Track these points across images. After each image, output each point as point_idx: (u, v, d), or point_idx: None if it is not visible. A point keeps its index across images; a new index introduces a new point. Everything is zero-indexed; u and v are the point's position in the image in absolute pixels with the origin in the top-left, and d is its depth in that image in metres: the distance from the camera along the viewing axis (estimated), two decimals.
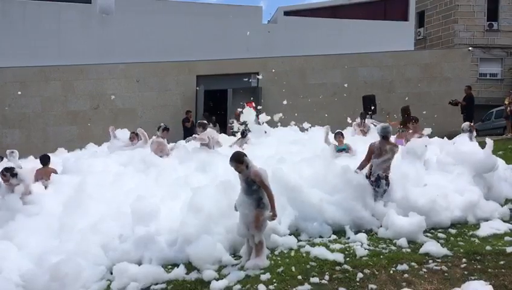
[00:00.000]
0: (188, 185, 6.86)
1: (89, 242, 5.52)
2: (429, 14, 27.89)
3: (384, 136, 6.79)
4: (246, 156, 5.13)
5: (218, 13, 19.57)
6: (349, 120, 12.63)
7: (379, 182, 6.60)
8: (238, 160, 5.04)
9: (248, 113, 11.73)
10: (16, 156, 10.69)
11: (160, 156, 9.37)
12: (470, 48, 19.40)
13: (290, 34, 19.72)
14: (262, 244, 5.08)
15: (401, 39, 20.15)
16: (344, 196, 6.44)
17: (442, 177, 7.32)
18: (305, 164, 7.33)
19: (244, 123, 12.15)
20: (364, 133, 11.33)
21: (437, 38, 27.19)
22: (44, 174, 8.74)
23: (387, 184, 6.64)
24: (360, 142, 9.73)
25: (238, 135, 11.62)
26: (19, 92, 15.25)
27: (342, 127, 12.78)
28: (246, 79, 15.54)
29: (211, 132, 9.78)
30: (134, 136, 10.91)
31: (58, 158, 11.43)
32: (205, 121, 10.22)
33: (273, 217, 5.09)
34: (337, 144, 9.26)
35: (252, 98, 14.83)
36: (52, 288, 4.71)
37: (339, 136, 9.38)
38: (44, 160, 9.11)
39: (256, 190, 5.01)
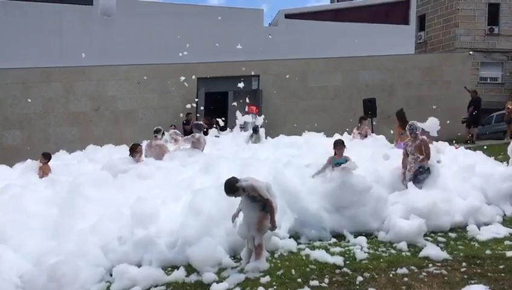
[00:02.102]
0: (189, 187, 6.86)
1: (87, 243, 5.50)
2: (430, 18, 27.94)
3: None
4: (237, 180, 4.96)
5: (219, 16, 19.62)
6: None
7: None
8: (233, 190, 4.93)
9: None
10: None
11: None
12: (471, 52, 19.46)
13: (291, 36, 19.76)
14: (262, 247, 5.08)
15: (402, 43, 20.21)
16: (357, 210, 6.33)
17: (448, 180, 7.31)
18: (313, 168, 7.33)
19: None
20: (363, 136, 11.34)
21: (438, 42, 27.23)
22: (46, 170, 9.20)
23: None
24: (359, 146, 9.75)
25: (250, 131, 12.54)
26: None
27: (343, 130, 12.84)
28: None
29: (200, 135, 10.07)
30: (139, 150, 8.86)
31: (59, 160, 11.47)
32: (201, 123, 10.41)
33: (273, 228, 5.08)
34: (336, 156, 7.29)
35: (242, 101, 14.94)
36: (50, 289, 4.70)
37: (338, 147, 7.32)
38: (48, 157, 9.66)
39: (256, 205, 5.01)
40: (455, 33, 26.30)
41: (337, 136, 12.15)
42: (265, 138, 12.86)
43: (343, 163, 6.91)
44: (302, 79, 17.32)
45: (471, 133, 16.02)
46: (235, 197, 5.06)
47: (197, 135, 9.99)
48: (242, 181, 4.97)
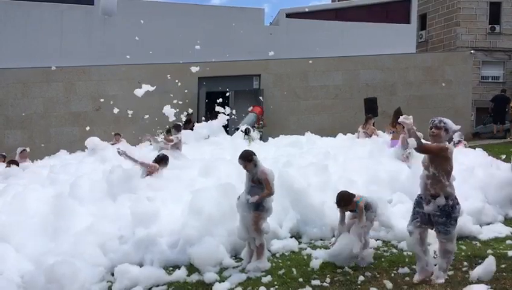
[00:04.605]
0: (190, 187, 6.86)
1: (87, 243, 5.50)
2: (431, 17, 27.89)
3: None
4: (255, 154, 5.13)
5: (220, 15, 19.60)
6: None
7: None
8: (247, 158, 5.06)
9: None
10: None
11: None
12: (472, 51, 19.42)
13: (292, 36, 19.72)
14: (263, 247, 5.08)
15: (403, 42, 20.15)
16: None
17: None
18: (314, 168, 7.31)
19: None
20: (368, 135, 11.32)
21: (439, 41, 27.18)
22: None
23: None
24: (362, 146, 9.75)
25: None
26: None
27: (344, 129, 12.84)
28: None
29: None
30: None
31: (58, 160, 11.50)
32: (180, 124, 10.34)
33: (257, 198, 4.95)
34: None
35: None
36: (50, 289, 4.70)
37: (341, 208, 5.24)
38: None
39: (258, 191, 5.00)
40: (456, 32, 26.24)
41: (340, 136, 12.18)
42: (260, 138, 12.95)
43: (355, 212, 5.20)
44: (303, 78, 17.31)
45: (498, 129, 17.35)
46: (244, 167, 5.11)
47: (179, 135, 9.92)
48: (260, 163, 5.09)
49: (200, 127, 12.94)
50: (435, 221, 4.32)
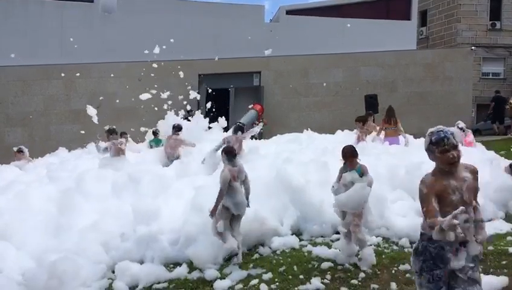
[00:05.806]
0: (192, 184, 6.87)
1: (88, 240, 5.51)
2: (432, 14, 27.84)
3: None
4: (230, 152, 5.23)
5: (220, 12, 19.60)
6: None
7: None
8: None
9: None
10: None
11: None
12: (473, 47, 19.40)
13: (292, 33, 19.71)
14: (220, 235, 5.05)
15: (403, 38, 20.14)
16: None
17: None
18: (314, 165, 7.28)
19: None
20: (368, 132, 11.30)
21: (439, 38, 27.13)
22: None
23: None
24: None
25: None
26: None
27: (344, 127, 12.83)
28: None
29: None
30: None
31: (58, 157, 11.50)
32: (114, 127, 9.78)
33: (210, 212, 5.06)
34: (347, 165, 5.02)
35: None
36: (51, 286, 4.70)
37: (348, 158, 4.96)
38: None
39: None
40: (457, 28, 26.19)
41: (339, 133, 12.17)
42: (260, 136, 12.81)
43: (357, 173, 4.92)
44: (304, 75, 17.30)
45: (498, 126, 17.71)
46: None
47: (123, 140, 9.65)
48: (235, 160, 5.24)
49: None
50: (464, 280, 2.80)
